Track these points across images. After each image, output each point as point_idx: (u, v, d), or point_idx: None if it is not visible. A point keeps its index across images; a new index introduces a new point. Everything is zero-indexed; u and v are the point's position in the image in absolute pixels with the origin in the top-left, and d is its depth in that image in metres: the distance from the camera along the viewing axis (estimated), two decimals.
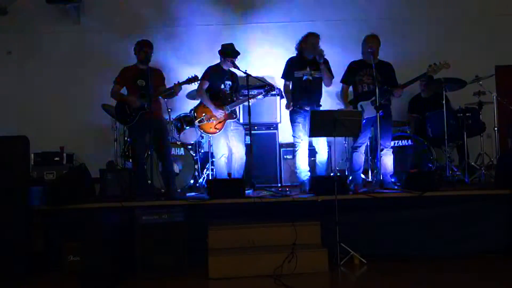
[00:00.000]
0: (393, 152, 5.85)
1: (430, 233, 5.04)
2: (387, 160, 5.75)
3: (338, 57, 6.31)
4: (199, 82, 5.78)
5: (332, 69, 5.83)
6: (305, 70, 5.78)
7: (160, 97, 5.72)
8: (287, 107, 5.93)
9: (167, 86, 5.67)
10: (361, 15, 7.70)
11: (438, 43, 7.61)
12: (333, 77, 5.86)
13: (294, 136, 5.86)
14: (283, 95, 6.12)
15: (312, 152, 6.06)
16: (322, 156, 5.86)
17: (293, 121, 5.84)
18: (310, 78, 5.77)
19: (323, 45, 5.79)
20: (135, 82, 5.53)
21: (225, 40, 6.16)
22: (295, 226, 4.74)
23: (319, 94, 5.88)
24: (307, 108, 5.65)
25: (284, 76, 5.95)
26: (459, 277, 4.46)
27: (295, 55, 5.95)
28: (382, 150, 5.65)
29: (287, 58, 6.01)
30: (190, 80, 5.63)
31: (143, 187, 5.49)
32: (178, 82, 5.60)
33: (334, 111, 5.16)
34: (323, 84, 5.86)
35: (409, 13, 7.82)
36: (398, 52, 7.15)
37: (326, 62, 5.79)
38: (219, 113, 5.85)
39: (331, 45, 6.11)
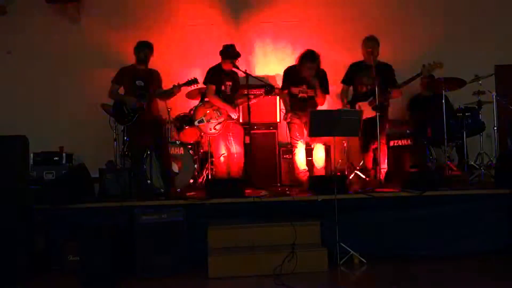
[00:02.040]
0: (393, 152, 5.85)
1: (429, 233, 5.04)
2: (380, 155, 5.77)
3: (338, 56, 6.32)
4: (200, 85, 5.81)
5: (332, 68, 5.84)
6: (301, 87, 5.83)
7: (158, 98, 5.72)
8: (285, 118, 6.03)
9: (166, 87, 5.67)
10: (361, 15, 7.70)
11: (437, 42, 7.60)
12: (327, 94, 5.95)
13: (290, 137, 5.92)
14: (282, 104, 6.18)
15: (308, 151, 6.09)
16: (318, 163, 5.93)
17: (289, 122, 5.92)
18: (305, 96, 5.85)
19: (324, 44, 5.80)
20: (133, 83, 5.53)
21: (224, 40, 6.16)
22: (294, 226, 4.73)
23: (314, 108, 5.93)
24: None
25: (282, 87, 6.03)
26: (459, 276, 4.45)
27: (294, 64, 5.95)
28: (375, 147, 5.69)
29: (287, 57, 6.02)
30: (189, 82, 5.65)
31: (142, 187, 5.49)
32: (178, 83, 5.61)
33: (333, 111, 5.15)
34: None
35: (408, 13, 7.81)
36: (398, 52, 7.15)
37: (323, 75, 5.85)
38: (234, 115, 5.89)
39: (332, 44, 6.12)
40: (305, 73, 5.75)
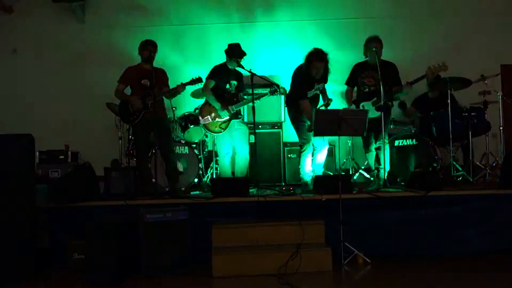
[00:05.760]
0: (398, 151, 5.83)
1: (434, 233, 5.02)
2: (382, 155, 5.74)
3: (341, 56, 6.32)
4: (203, 82, 5.81)
5: (334, 67, 5.82)
6: (313, 88, 5.79)
7: (163, 97, 5.74)
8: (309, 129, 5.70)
9: (171, 86, 5.70)
10: (364, 15, 7.70)
11: (443, 42, 7.59)
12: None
13: (301, 137, 5.78)
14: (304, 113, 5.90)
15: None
16: (319, 159, 5.88)
17: (300, 121, 5.77)
18: (318, 92, 5.84)
19: (330, 44, 5.81)
20: (139, 82, 5.57)
21: (230, 39, 6.16)
22: (299, 225, 4.74)
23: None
24: None
25: (302, 96, 5.72)
26: (464, 277, 4.44)
27: (303, 68, 5.77)
28: (379, 148, 5.66)
29: (292, 57, 6.00)
30: (193, 81, 5.70)
31: (147, 186, 5.51)
32: (182, 83, 5.65)
33: (339, 110, 5.14)
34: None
35: (414, 13, 7.80)
36: (403, 52, 7.14)
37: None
38: (225, 113, 5.85)
39: (334, 45, 6.12)
40: (313, 71, 5.68)
